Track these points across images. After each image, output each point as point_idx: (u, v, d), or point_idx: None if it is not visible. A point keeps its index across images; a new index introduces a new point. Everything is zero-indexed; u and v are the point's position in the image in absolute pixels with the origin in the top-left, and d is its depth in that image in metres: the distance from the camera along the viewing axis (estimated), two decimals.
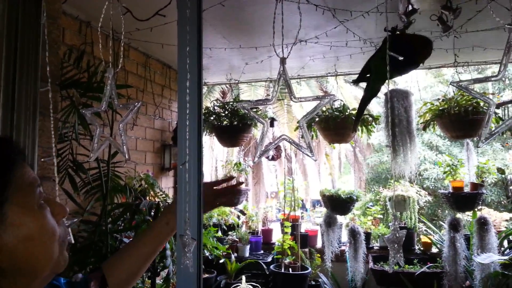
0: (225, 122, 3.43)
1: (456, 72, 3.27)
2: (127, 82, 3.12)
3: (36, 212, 0.58)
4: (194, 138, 1.01)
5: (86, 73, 1.76)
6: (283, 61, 0.85)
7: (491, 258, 2.92)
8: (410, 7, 2.42)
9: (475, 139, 3.82)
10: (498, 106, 3.38)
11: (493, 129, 0.74)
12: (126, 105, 0.94)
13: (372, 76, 1.77)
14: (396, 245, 0.73)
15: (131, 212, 2.06)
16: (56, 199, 2.13)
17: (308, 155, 0.82)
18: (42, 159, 1.15)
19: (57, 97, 1.37)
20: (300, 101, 0.87)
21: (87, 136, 1.87)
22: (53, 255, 0.58)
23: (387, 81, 0.94)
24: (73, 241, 0.78)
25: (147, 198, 2.83)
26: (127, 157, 0.93)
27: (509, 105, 3.64)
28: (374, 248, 4.06)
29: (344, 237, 3.97)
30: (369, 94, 1.77)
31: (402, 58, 0.80)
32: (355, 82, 1.87)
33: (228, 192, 1.13)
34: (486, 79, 0.77)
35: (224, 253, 3.74)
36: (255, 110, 3.43)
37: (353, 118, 3.27)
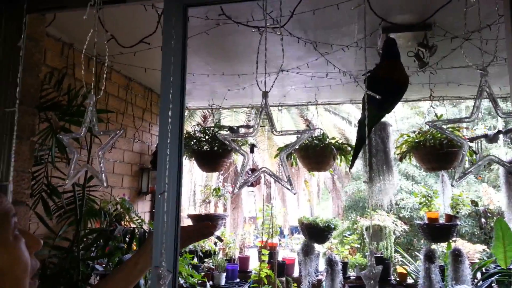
0: (205, 147, 3.42)
1: (432, 106, 3.38)
2: (107, 104, 3.09)
3: (10, 244, 0.56)
4: (174, 168, 1.00)
5: (66, 96, 1.74)
6: (265, 94, 0.87)
7: None
8: None
9: (449, 171, 3.92)
10: (472, 140, 3.49)
11: (466, 168, 0.77)
12: (107, 132, 0.93)
13: (362, 117, 1.85)
14: (372, 282, 0.74)
15: (105, 239, 2.00)
16: (28, 225, 2.06)
17: (287, 188, 0.83)
18: (5, 183, 1.12)
19: (35, 120, 1.34)
20: (281, 134, 0.88)
21: (64, 159, 1.83)
22: None
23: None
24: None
25: (123, 223, 2.77)
26: (105, 185, 0.92)
27: (482, 139, 3.77)
28: (351, 277, 4.04)
29: (322, 266, 3.95)
30: (362, 135, 1.85)
31: (379, 97, 0.83)
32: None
33: (200, 234, 1.14)
34: (460, 120, 0.80)
35: (199, 281, 3.66)
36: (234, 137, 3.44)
37: (332, 147, 3.32)
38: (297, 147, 0.87)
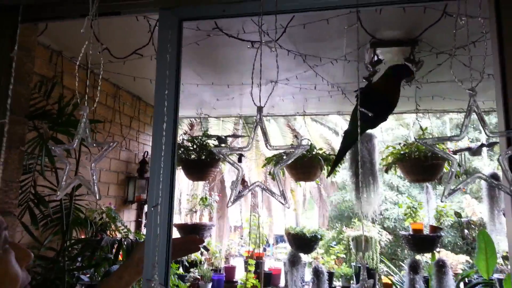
0: (193, 156, 3.42)
1: (417, 119, 3.44)
2: (95, 112, 3.07)
3: (0, 257, 0.56)
4: (166, 181, 1.01)
5: (56, 104, 1.72)
6: (260, 109, 0.88)
7: None
8: (376, 58, 2.58)
9: (433, 182, 3.98)
10: (455, 152, 3.57)
11: (456, 185, 0.79)
12: (100, 143, 0.93)
13: (348, 129, 1.88)
14: None
15: (92, 249, 1.98)
16: (13, 234, 2.03)
17: (281, 203, 0.84)
18: None
19: (25, 130, 1.33)
20: (276, 149, 0.89)
21: (52, 169, 1.81)
22: None
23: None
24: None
25: (108, 232, 2.74)
26: (97, 197, 0.91)
27: (466, 151, 3.85)
28: (337, 287, 4.06)
29: (308, 276, 3.96)
30: (347, 145, 1.88)
31: (371, 115, 0.85)
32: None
33: (186, 250, 1.14)
34: (449, 139, 0.83)
35: None
36: (223, 145, 3.45)
37: (319, 157, 3.35)
38: (289, 162, 0.89)
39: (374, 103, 1.59)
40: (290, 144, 1.20)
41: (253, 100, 0.91)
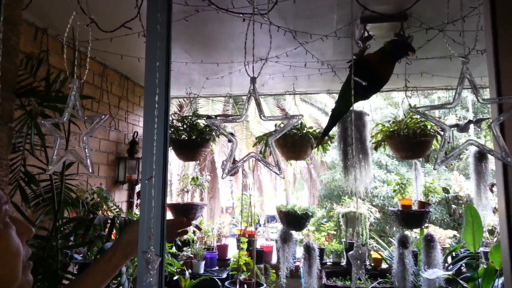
0: (183, 136, 3.40)
1: (406, 96, 3.46)
2: (82, 92, 3.02)
3: (1, 231, 0.55)
4: (160, 152, 1.00)
5: (44, 81, 1.69)
6: (253, 80, 0.87)
7: (437, 273, 3.07)
8: (365, 34, 2.56)
9: (421, 159, 4.04)
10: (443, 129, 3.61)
11: (448, 152, 0.80)
12: (92, 117, 0.92)
13: (340, 98, 1.88)
14: (358, 262, 0.76)
15: (85, 228, 1.98)
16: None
17: (276, 173, 0.84)
18: None
19: (13, 106, 1.31)
20: (269, 119, 0.89)
21: (41, 147, 1.79)
22: (18, 276, 0.56)
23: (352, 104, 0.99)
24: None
25: (100, 212, 2.73)
26: (90, 170, 0.90)
27: (453, 128, 3.90)
28: (327, 263, 4.13)
29: (299, 253, 4.02)
30: (336, 115, 1.88)
31: (365, 83, 0.85)
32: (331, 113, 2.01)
33: (173, 234, 1.15)
34: (442, 106, 0.83)
35: (178, 269, 3.67)
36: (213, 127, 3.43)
37: (310, 136, 3.36)
38: (285, 131, 0.88)
39: (367, 75, 1.58)
40: (284, 114, 1.19)
41: (246, 70, 0.90)
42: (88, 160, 0.93)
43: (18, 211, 1.81)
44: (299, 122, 3.42)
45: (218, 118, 0.97)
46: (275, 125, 3.34)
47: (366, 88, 1.44)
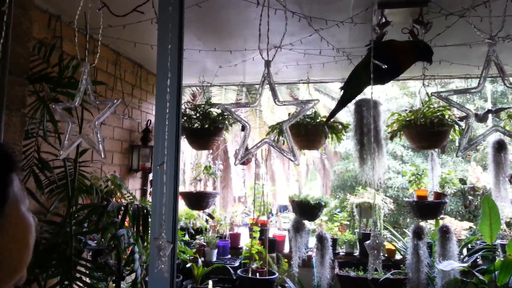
0: (196, 125, 3.39)
1: (424, 85, 3.38)
2: (96, 79, 3.02)
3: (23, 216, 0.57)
4: (172, 139, 0.98)
5: (57, 67, 1.68)
6: (268, 63, 0.84)
7: (452, 265, 3.02)
8: (383, 20, 2.49)
9: (438, 150, 3.96)
10: (462, 119, 3.52)
11: (470, 140, 0.76)
12: (104, 101, 0.90)
13: (353, 81, 1.83)
14: (375, 251, 0.73)
15: (98, 214, 1.98)
16: None
17: (291, 160, 0.82)
18: None
19: (25, 91, 1.30)
20: (284, 104, 0.86)
21: (55, 133, 1.79)
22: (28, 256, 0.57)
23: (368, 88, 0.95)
24: None
25: (114, 199, 2.75)
26: (103, 155, 0.89)
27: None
28: (340, 253, 4.11)
29: (312, 242, 4.00)
30: (346, 98, 1.83)
31: (385, 67, 0.81)
32: (342, 89, 1.92)
33: None
34: (466, 91, 0.79)
35: (191, 257, 3.69)
36: (226, 115, 3.41)
37: (324, 125, 3.32)
38: (299, 116, 0.85)
39: (386, 59, 1.53)
40: (300, 100, 1.18)
41: (260, 54, 0.87)
42: (100, 145, 0.91)
43: (32, 197, 1.83)
44: (314, 107, 3.37)
45: (232, 103, 0.95)
46: (289, 114, 3.30)
47: (384, 72, 1.39)
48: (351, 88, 1.85)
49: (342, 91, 1.93)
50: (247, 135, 0.88)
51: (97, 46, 2.99)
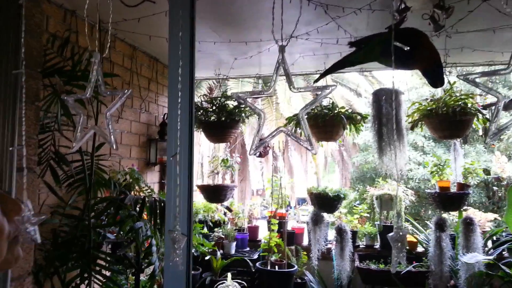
0: (212, 118, 3.37)
1: (445, 73, 3.27)
2: (112, 73, 3.03)
3: None
4: (185, 129, 0.96)
5: (70, 61, 1.68)
6: (282, 49, 0.81)
7: (476, 258, 2.94)
8: (402, 5, 2.41)
9: (460, 140, 3.85)
10: (485, 107, 3.40)
11: (500, 126, 0.71)
12: (114, 92, 0.88)
13: (364, 48, 1.77)
14: (399, 244, 0.70)
15: (116, 207, 1.99)
16: (37, 194, 2.05)
17: (307, 148, 0.78)
18: (11, 148, 1.07)
19: (39, 84, 1.29)
20: (299, 91, 0.83)
21: (70, 127, 1.79)
22: (0, 253, 0.54)
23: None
24: (39, 241, 0.72)
25: (132, 193, 2.76)
26: (114, 147, 0.87)
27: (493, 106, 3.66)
28: (360, 246, 4.06)
29: (331, 235, 3.96)
30: (349, 60, 1.79)
31: (407, 48, 0.77)
32: (352, 45, 1.88)
33: None
34: (494, 73, 0.74)
35: (209, 250, 3.70)
36: (243, 107, 3.38)
37: (342, 116, 3.25)
38: (316, 104, 0.81)
39: (411, 42, 1.47)
40: (316, 86, 1.14)
41: (274, 39, 0.83)
42: (112, 136, 0.90)
43: (50, 190, 1.84)
44: (332, 98, 3.31)
45: (245, 92, 0.92)
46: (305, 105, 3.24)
47: (406, 56, 1.33)
48: (359, 54, 1.79)
49: (352, 47, 1.87)
50: (262, 124, 0.85)
51: (112, 40, 3.00)
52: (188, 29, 0.91)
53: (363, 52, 1.78)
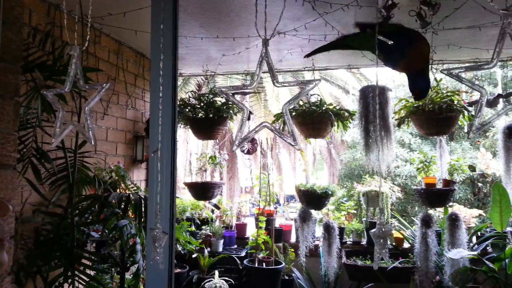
0: (200, 114, 3.35)
1: (432, 70, 3.29)
2: (98, 68, 2.99)
3: None
4: (167, 123, 0.94)
5: (52, 55, 1.64)
6: (265, 42, 0.79)
7: (461, 253, 2.97)
8: (389, 1, 2.41)
9: (446, 137, 3.88)
10: (470, 104, 3.44)
11: (484, 121, 0.71)
12: (93, 86, 0.86)
13: (364, 34, 1.74)
14: (382, 240, 0.69)
15: (100, 205, 1.96)
16: (20, 192, 2.01)
17: (291, 144, 0.77)
18: None
19: (19, 79, 1.26)
20: (283, 85, 0.81)
21: (52, 123, 1.75)
22: None
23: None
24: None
25: (118, 190, 2.72)
26: (92, 142, 0.85)
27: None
28: (347, 243, 4.07)
29: (318, 232, 3.97)
30: (345, 42, 1.77)
31: (391, 42, 0.76)
32: (359, 25, 1.86)
33: None
34: (478, 67, 0.73)
35: (197, 247, 3.67)
36: (231, 103, 3.36)
37: (330, 113, 3.26)
38: (300, 99, 0.80)
39: (404, 41, 1.45)
40: (300, 80, 1.12)
41: (257, 31, 0.82)
42: (90, 132, 0.87)
43: (33, 188, 1.80)
44: (309, 97, 3.31)
45: (229, 86, 0.90)
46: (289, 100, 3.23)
47: (399, 56, 1.32)
48: (357, 38, 1.75)
49: (357, 27, 1.85)
50: (245, 119, 0.83)
51: (97, 35, 2.95)
52: (170, 21, 0.89)
53: (361, 38, 1.75)
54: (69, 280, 1.88)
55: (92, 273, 2.06)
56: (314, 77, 4.61)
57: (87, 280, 1.92)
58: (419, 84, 1.80)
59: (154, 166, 0.91)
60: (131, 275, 2.45)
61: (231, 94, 0.86)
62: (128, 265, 2.24)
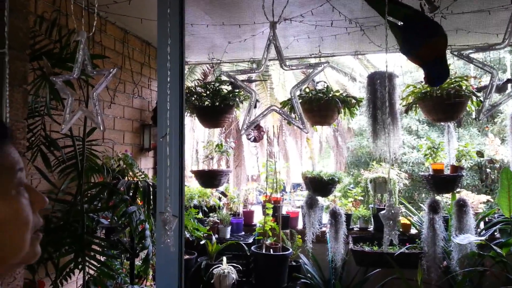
0: (206, 103, 3.35)
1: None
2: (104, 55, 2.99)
3: (12, 197, 0.53)
4: (175, 109, 0.94)
5: (59, 43, 1.65)
6: (273, 25, 0.79)
7: (469, 238, 2.97)
8: None
9: (454, 123, 3.85)
10: (479, 90, 3.40)
11: (494, 102, 0.70)
12: (101, 71, 0.86)
13: (396, 7, 1.66)
14: (391, 222, 0.69)
15: (109, 192, 1.98)
16: (29, 180, 2.03)
17: (299, 127, 0.77)
18: None
19: (27, 67, 1.27)
20: (291, 69, 0.81)
21: (61, 111, 1.76)
22: (25, 245, 0.53)
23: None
24: None
25: (126, 178, 2.75)
26: (101, 128, 0.86)
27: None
28: (354, 229, 4.09)
29: (325, 218, 3.98)
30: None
31: (401, 23, 0.75)
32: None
33: None
34: (489, 48, 0.72)
35: (205, 234, 3.71)
36: (237, 91, 3.35)
37: (337, 100, 3.24)
38: (308, 83, 0.80)
39: (422, 27, 1.41)
40: (308, 63, 1.09)
41: (265, 14, 0.81)
42: (99, 117, 0.88)
43: (42, 176, 1.82)
44: (315, 84, 3.29)
45: (236, 70, 0.90)
46: (301, 90, 3.22)
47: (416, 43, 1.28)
48: (390, 4, 1.65)
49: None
50: (252, 103, 0.83)
51: (102, 23, 2.94)
52: (177, 6, 0.88)
53: (393, 8, 1.66)
54: (80, 266, 1.91)
55: (102, 259, 2.10)
56: (320, 59, 4.59)
57: (98, 265, 1.95)
58: (438, 71, 1.73)
59: (163, 151, 0.92)
60: (141, 261, 2.49)
61: (238, 80, 0.86)
62: (137, 251, 2.27)
